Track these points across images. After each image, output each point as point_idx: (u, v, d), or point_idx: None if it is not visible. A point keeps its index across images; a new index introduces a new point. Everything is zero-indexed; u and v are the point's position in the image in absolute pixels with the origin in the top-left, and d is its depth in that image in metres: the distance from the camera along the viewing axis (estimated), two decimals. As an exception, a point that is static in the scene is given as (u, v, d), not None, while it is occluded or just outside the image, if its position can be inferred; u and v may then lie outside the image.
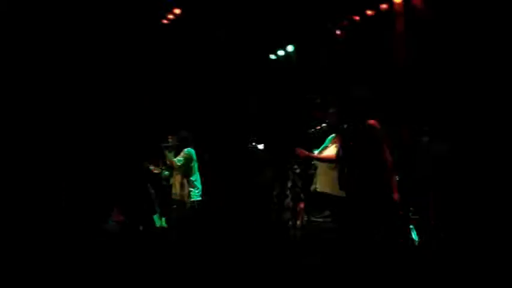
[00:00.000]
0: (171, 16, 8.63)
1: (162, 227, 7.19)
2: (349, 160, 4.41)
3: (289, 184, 6.28)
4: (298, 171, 5.93)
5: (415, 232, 5.60)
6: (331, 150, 5.00)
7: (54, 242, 5.98)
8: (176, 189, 6.63)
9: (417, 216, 5.83)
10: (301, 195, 6.10)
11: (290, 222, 5.89)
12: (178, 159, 6.51)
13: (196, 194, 6.57)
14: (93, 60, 8.09)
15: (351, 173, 4.34)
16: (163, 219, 7.18)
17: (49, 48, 7.56)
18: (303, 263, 4.56)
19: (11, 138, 7.00)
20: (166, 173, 7.40)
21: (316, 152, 5.27)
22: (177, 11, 8.53)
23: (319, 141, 5.35)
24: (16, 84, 7.24)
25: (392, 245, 4.27)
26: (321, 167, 5.20)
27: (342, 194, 4.46)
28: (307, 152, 5.10)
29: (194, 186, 6.56)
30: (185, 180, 6.54)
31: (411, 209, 5.85)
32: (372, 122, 4.39)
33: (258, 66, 9.63)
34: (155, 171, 7.47)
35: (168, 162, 6.86)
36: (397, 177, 6.07)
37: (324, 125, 5.18)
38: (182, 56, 8.95)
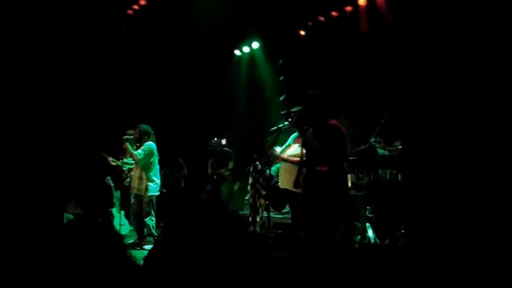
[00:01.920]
0: (136, 7, 8.49)
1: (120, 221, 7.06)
2: (309, 159, 4.48)
3: (250, 180, 6.31)
4: (259, 167, 5.97)
5: (371, 230, 5.73)
6: (295, 149, 5.06)
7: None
8: (134, 183, 6.57)
9: (373, 215, 5.96)
10: (262, 191, 6.14)
11: (250, 218, 5.92)
12: (139, 153, 6.44)
13: (154, 189, 6.53)
14: (53, 50, 7.85)
15: (309, 171, 4.41)
16: (122, 212, 7.07)
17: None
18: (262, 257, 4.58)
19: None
20: (126, 166, 7.30)
21: (278, 149, 5.31)
22: (143, 1, 8.39)
23: (281, 140, 5.42)
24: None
25: (348, 243, 4.38)
26: (284, 165, 5.26)
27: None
28: (278, 153, 5.14)
29: (153, 181, 6.52)
30: (143, 174, 6.48)
31: (367, 207, 5.98)
32: (333, 122, 4.47)
33: (223, 61, 9.60)
34: (114, 164, 7.36)
35: (128, 155, 6.79)
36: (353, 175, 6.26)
37: (286, 123, 5.23)
38: (145, 48, 8.81)
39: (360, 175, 6.31)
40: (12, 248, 2.43)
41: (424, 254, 3.77)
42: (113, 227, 6.37)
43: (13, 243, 2.51)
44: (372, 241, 5.64)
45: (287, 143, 5.26)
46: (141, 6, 8.39)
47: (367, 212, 5.97)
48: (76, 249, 2.24)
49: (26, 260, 2.22)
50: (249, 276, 2.47)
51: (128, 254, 2.48)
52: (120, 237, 2.78)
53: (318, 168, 4.28)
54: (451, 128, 4.19)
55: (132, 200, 6.82)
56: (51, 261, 2.19)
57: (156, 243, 4.00)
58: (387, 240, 5.57)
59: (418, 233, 4.32)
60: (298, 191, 4.56)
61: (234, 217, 3.22)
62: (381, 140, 6.14)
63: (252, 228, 5.86)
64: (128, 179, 7.17)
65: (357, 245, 5.09)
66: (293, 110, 4.93)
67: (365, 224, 5.77)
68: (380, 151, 5.88)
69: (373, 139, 5.85)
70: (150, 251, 2.88)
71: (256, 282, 2.47)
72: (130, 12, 8.48)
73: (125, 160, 7.27)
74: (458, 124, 4.15)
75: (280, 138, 5.38)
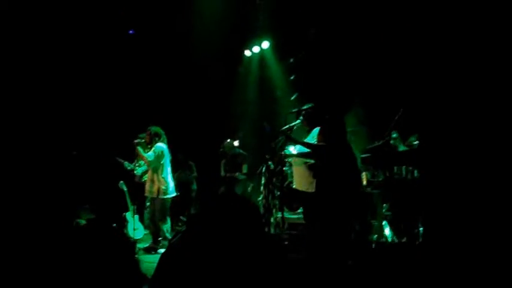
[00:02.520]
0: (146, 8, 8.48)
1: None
2: (324, 157, 4.41)
3: (263, 181, 6.24)
4: (272, 167, 5.89)
5: (389, 228, 5.61)
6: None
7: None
8: (147, 186, 6.54)
9: (390, 213, 5.84)
10: (275, 191, 6.06)
11: (263, 219, 5.84)
12: (149, 155, 6.41)
13: (166, 191, 6.47)
14: (63, 54, 7.88)
15: (321, 171, 4.34)
16: (136, 216, 7.04)
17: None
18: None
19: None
20: (140, 170, 7.26)
21: (291, 148, 5.24)
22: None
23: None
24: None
25: (364, 242, 4.29)
26: (296, 164, 5.18)
27: (312, 190, 4.45)
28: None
29: (165, 183, 6.47)
30: (155, 177, 6.44)
31: (384, 205, 5.86)
32: (342, 120, 4.40)
33: (233, 62, 9.56)
34: (128, 168, 7.34)
35: (140, 158, 6.77)
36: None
37: (298, 121, 5.16)
38: (156, 51, 8.81)
39: (375, 172, 6.20)
40: (19, 251, 2.40)
41: (443, 252, 3.66)
42: (123, 233, 6.35)
43: (21, 247, 2.47)
44: (389, 239, 5.53)
45: (307, 139, 5.16)
46: (151, 7, 8.36)
47: (383, 210, 5.85)
48: (82, 254, 2.19)
49: (32, 263, 2.19)
50: (262, 278, 2.39)
51: (135, 260, 2.43)
52: (130, 244, 2.74)
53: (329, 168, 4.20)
54: (470, 122, 4.07)
55: (147, 203, 6.80)
56: (58, 264, 2.15)
57: (169, 247, 3.95)
58: (405, 238, 5.45)
59: (436, 231, 4.21)
60: (306, 190, 4.49)
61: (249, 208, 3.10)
62: (397, 136, 6.01)
63: (266, 229, 5.78)
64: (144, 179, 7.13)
65: (373, 245, 4.98)
66: (304, 108, 4.86)
67: (382, 223, 5.66)
68: (401, 147, 5.73)
69: (389, 135, 5.73)
70: (162, 254, 2.83)
71: (270, 284, 2.40)
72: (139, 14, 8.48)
73: (137, 164, 7.24)
74: (478, 118, 4.04)
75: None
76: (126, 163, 7.33)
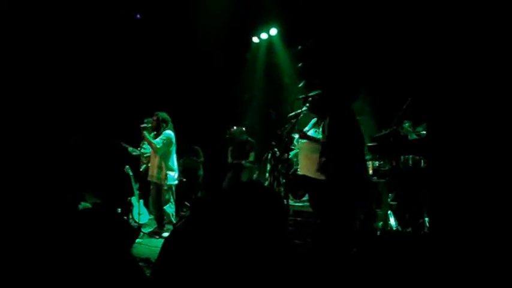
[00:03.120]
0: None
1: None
2: (329, 143, 4.38)
3: (268, 167, 6.22)
4: (277, 154, 5.86)
5: (393, 217, 5.60)
6: (312, 134, 4.96)
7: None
8: (154, 172, 6.55)
9: (395, 202, 5.82)
10: (281, 178, 6.04)
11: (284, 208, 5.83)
12: (157, 142, 6.42)
13: (173, 177, 6.52)
14: (70, 39, 7.87)
15: (327, 158, 4.31)
16: (141, 201, 7.07)
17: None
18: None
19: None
20: (145, 154, 7.26)
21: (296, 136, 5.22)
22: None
23: (300, 126, 5.31)
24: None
25: (368, 231, 4.27)
26: (302, 151, 5.15)
27: (322, 177, 4.42)
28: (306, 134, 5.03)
29: (172, 169, 6.50)
30: (163, 163, 6.46)
31: (390, 194, 5.84)
32: (349, 108, 4.36)
33: (241, 49, 9.50)
34: (133, 153, 7.35)
35: (145, 143, 6.78)
36: (376, 162, 6.12)
37: (304, 109, 5.12)
38: (163, 37, 8.77)
39: (382, 161, 6.17)
40: (22, 235, 2.41)
41: (449, 242, 3.63)
42: (125, 219, 6.37)
43: (24, 231, 2.48)
44: (394, 229, 5.51)
45: (305, 129, 5.16)
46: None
47: (389, 199, 5.83)
48: (85, 239, 2.20)
49: (34, 249, 2.20)
50: (267, 264, 2.39)
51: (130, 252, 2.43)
52: (132, 230, 2.74)
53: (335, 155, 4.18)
54: (481, 112, 4.01)
55: (151, 189, 6.83)
56: (60, 249, 2.16)
57: (172, 231, 3.96)
58: (410, 228, 5.44)
59: (442, 221, 4.17)
60: (317, 177, 4.46)
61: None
62: (410, 125, 5.96)
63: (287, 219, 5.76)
64: (144, 166, 7.16)
65: (378, 232, 4.97)
66: (310, 94, 4.82)
67: (387, 212, 5.64)
68: (413, 135, 5.68)
69: (398, 124, 5.68)
70: (166, 238, 2.83)
71: (275, 270, 2.39)
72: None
73: (142, 147, 7.25)
74: (488, 108, 3.97)
75: (299, 124, 5.26)
76: (130, 148, 7.35)
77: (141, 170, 7.27)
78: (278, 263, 2.46)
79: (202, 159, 8.79)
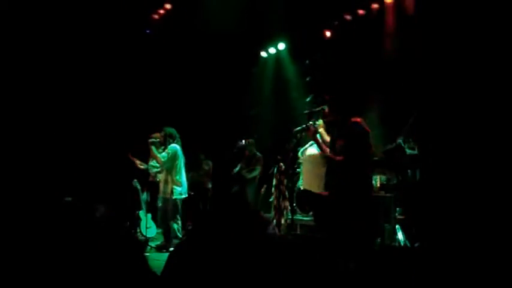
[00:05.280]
0: (161, 11, 8.57)
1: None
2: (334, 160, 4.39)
3: (274, 182, 6.23)
4: (283, 168, 5.88)
5: (401, 232, 5.56)
6: (316, 149, 4.97)
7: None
8: (161, 186, 6.60)
9: (404, 216, 5.79)
10: (286, 193, 6.05)
11: (274, 221, 5.83)
12: (163, 156, 6.47)
13: (179, 192, 6.52)
14: (80, 55, 7.99)
15: (334, 170, 4.32)
16: (148, 215, 7.10)
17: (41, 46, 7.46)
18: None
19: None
20: (154, 169, 7.31)
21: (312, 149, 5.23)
22: (168, 6, 8.45)
23: (306, 140, 5.32)
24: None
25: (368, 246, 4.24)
26: (305, 165, 5.16)
27: (325, 192, 4.43)
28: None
29: (178, 184, 6.52)
30: (169, 177, 6.50)
31: (397, 209, 5.81)
32: (356, 119, 4.36)
33: (248, 63, 9.57)
34: (141, 167, 7.41)
35: (153, 158, 6.83)
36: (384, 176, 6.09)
37: (310, 123, 5.14)
38: (172, 51, 8.87)
39: (389, 176, 6.15)
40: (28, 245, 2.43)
41: (450, 256, 3.61)
42: (132, 234, 6.40)
43: (31, 241, 2.51)
44: (402, 244, 5.48)
45: (310, 143, 5.17)
46: (166, 10, 8.45)
47: (396, 214, 5.80)
48: (90, 250, 2.22)
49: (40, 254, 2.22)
50: (264, 277, 2.40)
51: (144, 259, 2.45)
52: (139, 244, 2.75)
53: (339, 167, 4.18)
54: (475, 125, 4.03)
55: (159, 203, 6.85)
56: (65, 258, 2.18)
57: (177, 246, 3.98)
58: (417, 243, 5.40)
59: (441, 235, 4.16)
60: (319, 192, 4.47)
61: (255, 217, 3.14)
62: (410, 140, 5.95)
63: (277, 231, 5.76)
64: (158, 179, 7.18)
65: (377, 248, 4.94)
66: (316, 110, 4.85)
67: (395, 226, 5.61)
68: (408, 151, 5.69)
69: (401, 139, 5.68)
70: (171, 252, 2.84)
71: (271, 283, 2.40)
72: (155, 16, 8.56)
73: (151, 163, 7.30)
74: (483, 121, 3.98)
75: (305, 138, 5.28)
76: (138, 162, 7.41)
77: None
78: (278, 275, 2.47)
79: (205, 171, 8.73)
